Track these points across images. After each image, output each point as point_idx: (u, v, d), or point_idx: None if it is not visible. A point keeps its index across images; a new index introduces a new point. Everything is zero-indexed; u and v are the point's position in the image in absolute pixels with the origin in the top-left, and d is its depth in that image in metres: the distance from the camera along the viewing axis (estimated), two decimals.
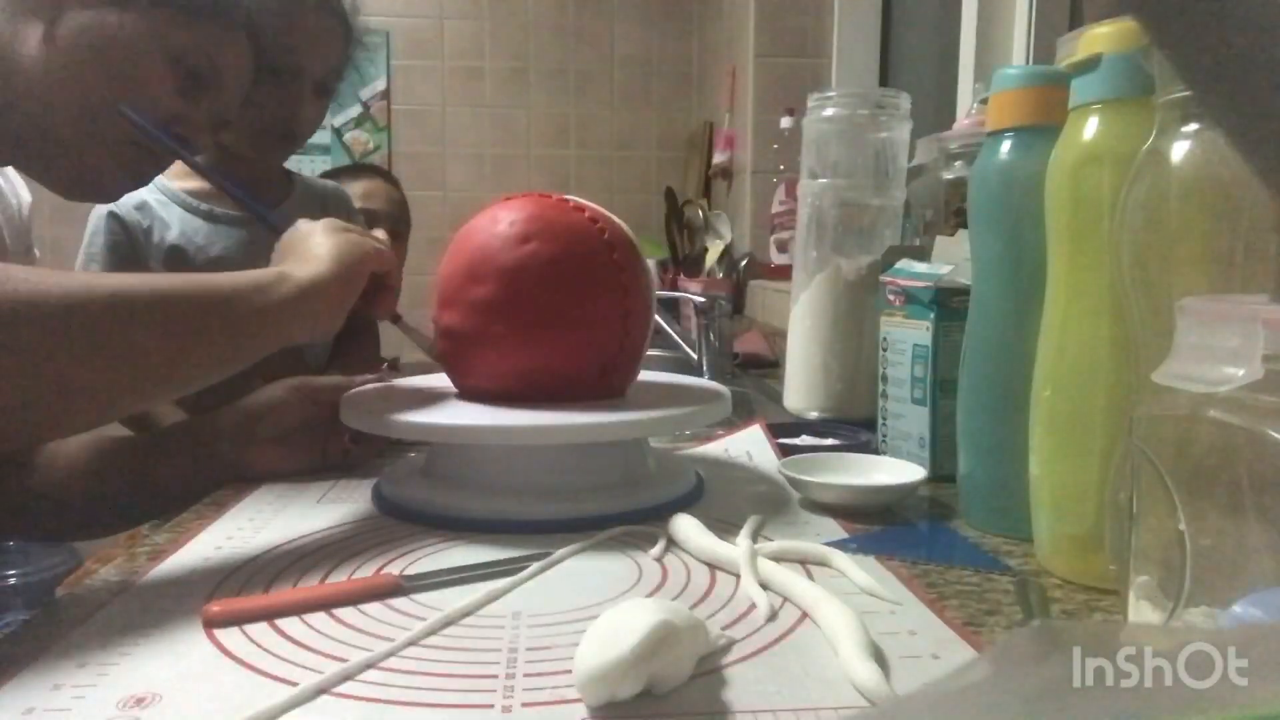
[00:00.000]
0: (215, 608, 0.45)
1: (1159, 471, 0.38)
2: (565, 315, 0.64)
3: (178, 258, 1.11)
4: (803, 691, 0.38)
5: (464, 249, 0.66)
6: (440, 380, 0.73)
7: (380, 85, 2.83)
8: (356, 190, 1.56)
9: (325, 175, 1.57)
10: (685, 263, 2.35)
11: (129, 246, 1.10)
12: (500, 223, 0.65)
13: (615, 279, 0.65)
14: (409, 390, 0.73)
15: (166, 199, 1.13)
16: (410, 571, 0.52)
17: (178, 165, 1.11)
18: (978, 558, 0.55)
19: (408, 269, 1.38)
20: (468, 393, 0.68)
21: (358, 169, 1.82)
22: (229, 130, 1.07)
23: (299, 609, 0.46)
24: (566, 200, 0.68)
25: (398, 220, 1.63)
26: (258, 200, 1.13)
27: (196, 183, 1.14)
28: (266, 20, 1.03)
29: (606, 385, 0.68)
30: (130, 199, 1.09)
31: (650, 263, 2.31)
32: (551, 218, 0.65)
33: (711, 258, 2.22)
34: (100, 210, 1.10)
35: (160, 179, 1.07)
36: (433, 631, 0.44)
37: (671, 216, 2.44)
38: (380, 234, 0.70)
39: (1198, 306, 0.35)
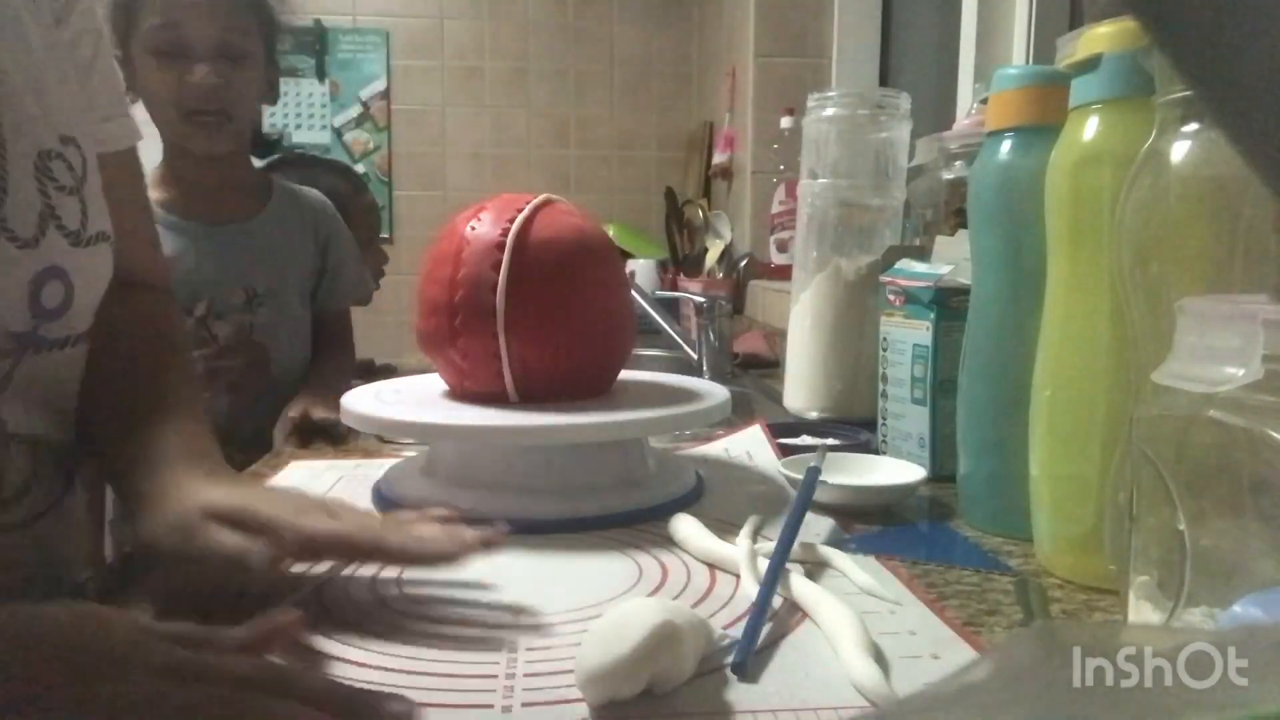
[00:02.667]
0: None
1: (1159, 471, 0.38)
2: (550, 316, 0.64)
3: None
4: (803, 691, 0.38)
5: (444, 253, 0.66)
6: (439, 380, 0.73)
7: (380, 85, 2.83)
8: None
9: (270, 166, 1.46)
10: (685, 263, 2.35)
11: None
12: (481, 225, 0.65)
13: (604, 276, 0.66)
14: (408, 390, 0.73)
15: None
16: (409, 573, 0.52)
17: (150, 173, 1.10)
18: (978, 558, 0.55)
19: (406, 270, 1.36)
20: (462, 394, 0.68)
21: (309, 163, 1.64)
22: (165, 126, 1.07)
23: None
24: (551, 200, 0.68)
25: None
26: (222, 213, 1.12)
27: (166, 192, 1.13)
28: (140, 9, 1.02)
29: (596, 383, 0.69)
30: None
31: (650, 263, 2.32)
32: (534, 219, 0.65)
33: (711, 258, 2.22)
34: None
35: None
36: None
37: (671, 216, 2.44)
38: None
39: (1198, 306, 0.35)
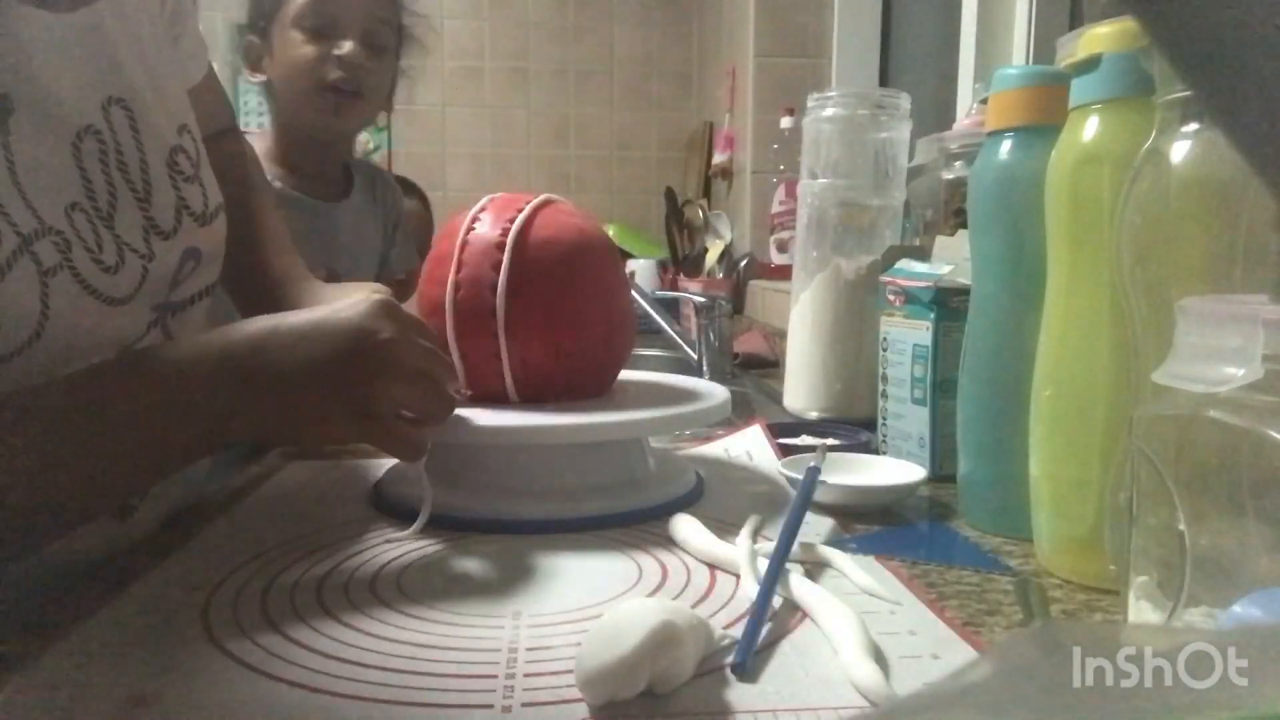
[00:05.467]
0: None
1: (1159, 471, 0.38)
2: (550, 316, 0.64)
3: None
4: (803, 691, 0.38)
5: (444, 254, 0.66)
6: None
7: None
8: None
9: None
10: (685, 263, 2.35)
11: None
12: (480, 225, 0.65)
13: (604, 276, 0.66)
14: None
15: None
16: (409, 574, 0.52)
17: (257, 142, 1.17)
18: (978, 558, 0.55)
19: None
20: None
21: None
22: (296, 99, 1.13)
23: None
24: (551, 200, 0.68)
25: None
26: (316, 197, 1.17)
27: (268, 168, 1.16)
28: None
29: (596, 383, 0.69)
30: None
31: (650, 263, 2.32)
32: (533, 219, 0.65)
33: (711, 258, 2.22)
34: None
35: None
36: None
37: (671, 216, 2.44)
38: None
39: (1198, 306, 0.35)
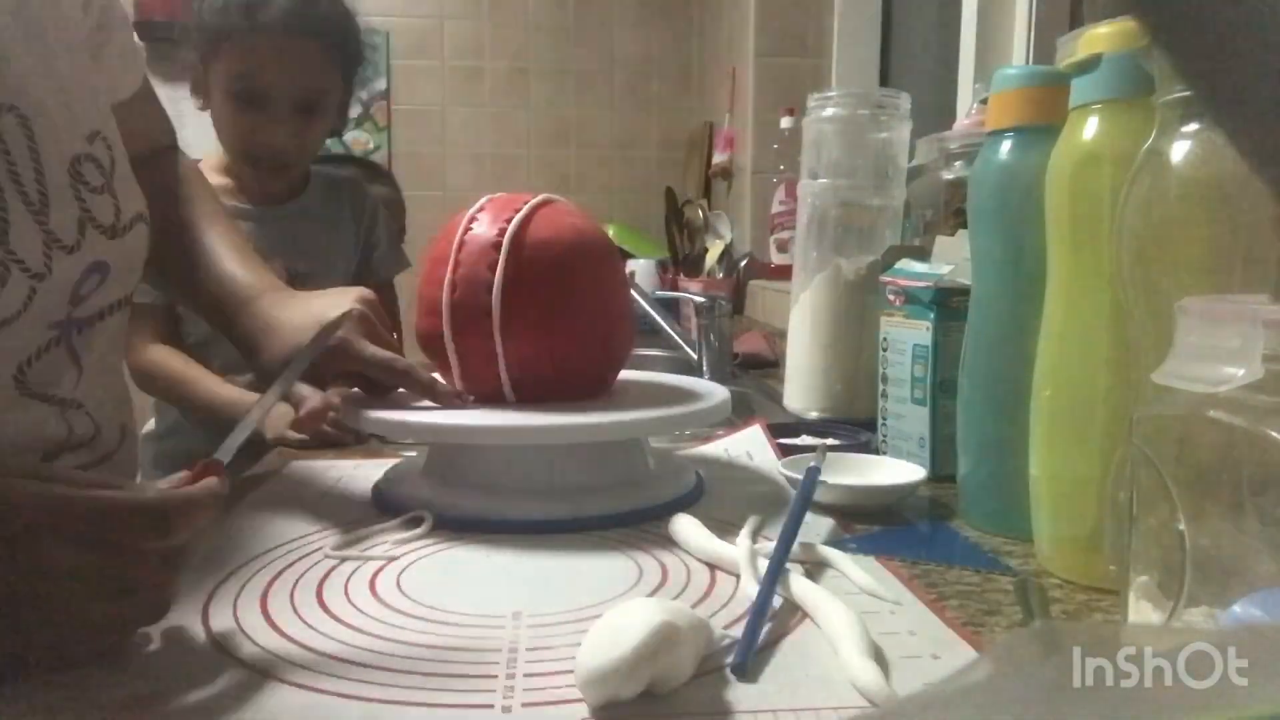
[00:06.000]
0: None
1: (1159, 471, 0.38)
2: (547, 317, 0.64)
3: None
4: (803, 691, 0.38)
5: (441, 254, 0.66)
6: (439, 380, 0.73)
7: (380, 85, 2.83)
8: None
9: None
10: (685, 263, 2.35)
11: None
12: (478, 225, 0.65)
13: (603, 277, 0.66)
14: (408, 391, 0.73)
15: None
16: (409, 574, 0.52)
17: (206, 159, 1.16)
18: (978, 558, 0.55)
19: (408, 272, 1.40)
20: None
21: (351, 165, 1.70)
22: (231, 153, 1.11)
23: None
24: (550, 200, 0.68)
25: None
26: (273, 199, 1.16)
27: (216, 179, 1.16)
28: (230, 49, 1.04)
29: (595, 384, 0.69)
30: None
31: (650, 263, 2.32)
32: (531, 218, 0.65)
33: (711, 258, 2.22)
34: None
35: None
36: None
37: (671, 216, 2.44)
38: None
39: (1198, 306, 0.35)
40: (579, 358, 0.66)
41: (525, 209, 0.65)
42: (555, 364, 0.64)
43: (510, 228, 0.64)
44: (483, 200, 0.68)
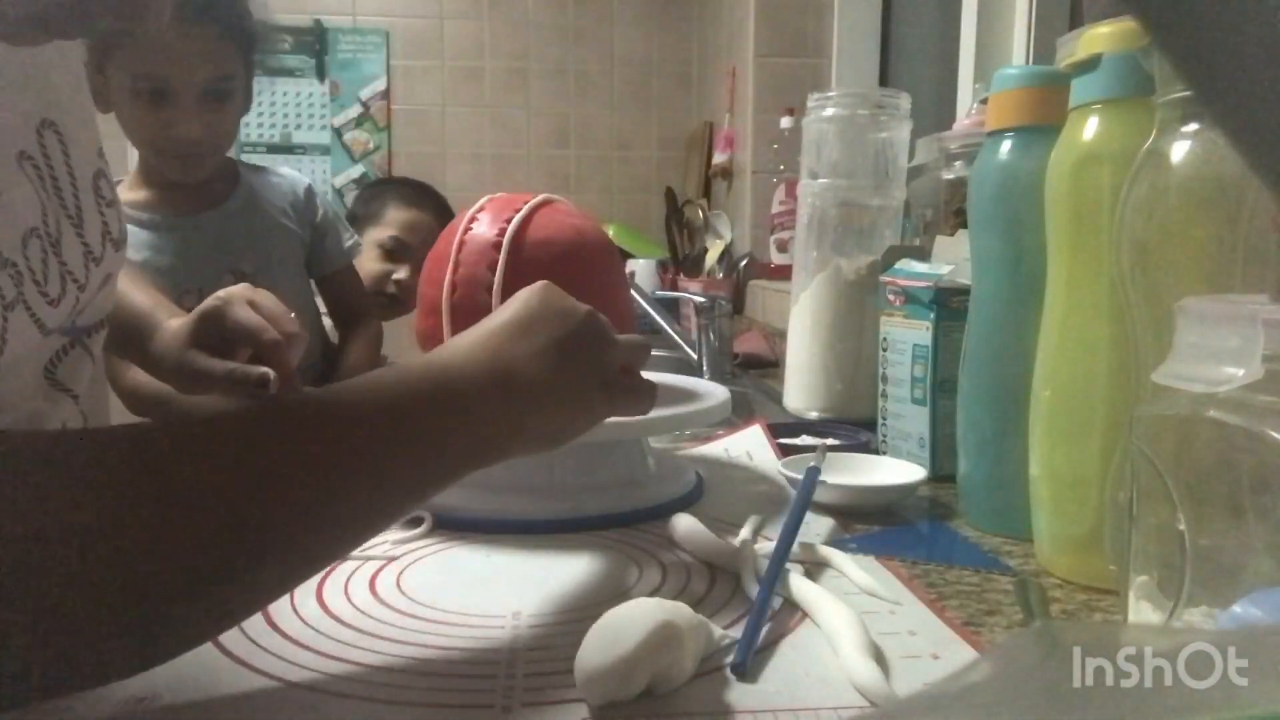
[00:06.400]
0: None
1: (1159, 471, 0.38)
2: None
3: None
4: (803, 691, 0.38)
5: (441, 254, 0.66)
6: None
7: (380, 85, 2.83)
8: (401, 218, 1.56)
9: (376, 185, 1.73)
10: (685, 263, 2.35)
11: None
12: (478, 225, 0.65)
13: (603, 277, 0.67)
14: None
15: None
16: (409, 574, 0.52)
17: (127, 177, 1.15)
18: (978, 558, 0.55)
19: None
20: None
21: (412, 189, 1.67)
22: (145, 155, 1.10)
23: None
24: (550, 200, 0.68)
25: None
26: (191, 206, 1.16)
27: (140, 194, 1.15)
28: (119, 47, 1.02)
29: None
30: None
31: (650, 263, 2.32)
32: (531, 219, 0.65)
33: (711, 258, 2.22)
34: None
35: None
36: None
37: (671, 216, 2.44)
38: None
39: (1198, 306, 0.35)
40: None
41: (525, 209, 0.65)
42: None
43: (510, 228, 0.64)
44: (483, 200, 0.68)
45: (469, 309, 0.63)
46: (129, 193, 1.15)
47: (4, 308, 0.42)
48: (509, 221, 0.64)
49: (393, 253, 1.50)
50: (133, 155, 1.20)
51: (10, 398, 0.45)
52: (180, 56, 1.05)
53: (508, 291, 0.62)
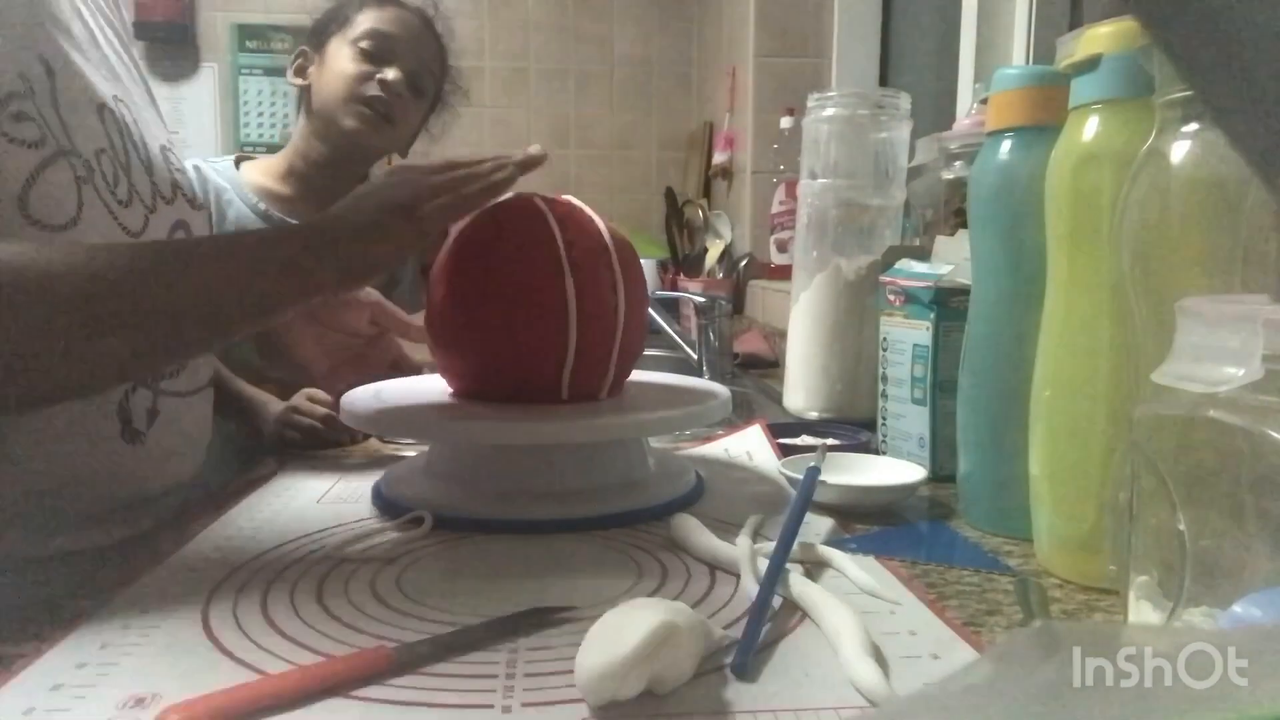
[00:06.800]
0: (174, 715, 0.35)
1: (1159, 471, 0.38)
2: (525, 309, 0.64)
3: None
4: (803, 691, 0.38)
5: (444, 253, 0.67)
6: (439, 380, 0.73)
7: None
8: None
9: None
10: (685, 263, 2.35)
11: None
12: (481, 221, 0.66)
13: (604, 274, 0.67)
14: (408, 390, 0.73)
15: (233, 194, 1.17)
16: (409, 574, 0.52)
17: (262, 162, 1.23)
18: (978, 558, 0.55)
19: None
20: (461, 393, 0.69)
21: None
22: (333, 105, 1.17)
23: (268, 704, 0.36)
24: (563, 200, 0.68)
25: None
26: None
27: (273, 184, 1.19)
28: (362, 15, 1.18)
29: (588, 385, 0.67)
30: (213, 181, 1.16)
31: (650, 263, 2.32)
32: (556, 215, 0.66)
33: (711, 258, 2.22)
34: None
35: (235, 173, 1.18)
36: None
37: (671, 216, 2.44)
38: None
39: (1198, 306, 0.35)
40: (632, 355, 0.68)
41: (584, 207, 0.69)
42: (621, 362, 0.66)
43: (603, 228, 0.67)
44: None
45: (595, 309, 0.64)
46: (271, 182, 1.19)
47: (77, 179, 0.58)
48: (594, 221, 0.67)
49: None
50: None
51: None
52: (408, 38, 1.20)
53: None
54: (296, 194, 1.20)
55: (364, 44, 1.17)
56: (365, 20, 1.19)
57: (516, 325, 0.63)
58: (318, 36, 1.22)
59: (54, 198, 0.56)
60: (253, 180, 1.19)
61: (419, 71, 1.21)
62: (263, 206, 1.16)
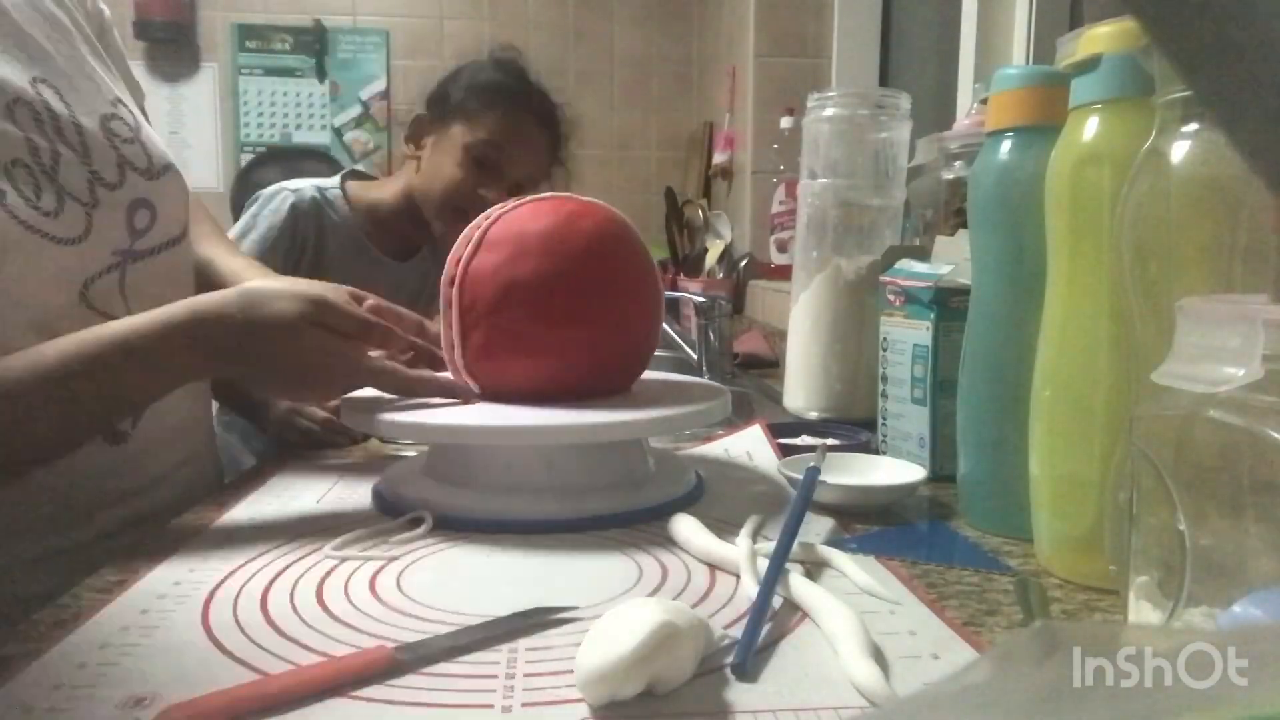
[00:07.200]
0: (174, 715, 0.35)
1: (1159, 471, 0.38)
2: (593, 313, 0.64)
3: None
4: (803, 691, 0.38)
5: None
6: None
7: (380, 85, 2.83)
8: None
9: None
10: (685, 263, 2.35)
11: (285, 238, 1.14)
12: (526, 224, 0.65)
13: (642, 276, 0.68)
14: None
15: (339, 219, 1.18)
16: (409, 574, 0.52)
17: (374, 185, 1.24)
18: (978, 558, 0.55)
19: None
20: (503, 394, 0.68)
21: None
22: (428, 200, 1.17)
23: (269, 704, 0.36)
24: (580, 199, 0.68)
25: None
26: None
27: (381, 195, 1.20)
28: (485, 118, 1.15)
29: (623, 381, 0.71)
30: (310, 205, 1.16)
31: None
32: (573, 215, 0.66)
33: (711, 258, 2.22)
34: (283, 203, 1.15)
35: (341, 194, 1.18)
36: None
37: (671, 216, 2.44)
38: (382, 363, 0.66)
39: (1198, 306, 0.35)
40: (610, 356, 0.68)
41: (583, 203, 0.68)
42: (589, 362, 0.66)
43: (554, 230, 0.66)
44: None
45: (520, 310, 0.64)
46: (384, 194, 1.21)
47: None
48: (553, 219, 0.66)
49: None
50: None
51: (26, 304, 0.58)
52: (522, 149, 1.17)
53: (556, 288, 0.64)
54: (376, 226, 1.21)
55: (477, 153, 1.14)
56: (489, 122, 1.14)
57: (631, 320, 0.67)
58: (440, 109, 1.18)
59: None
60: (362, 198, 1.20)
61: (523, 182, 1.18)
62: (369, 239, 1.19)
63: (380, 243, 1.21)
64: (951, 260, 0.75)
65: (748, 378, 1.41)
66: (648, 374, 0.77)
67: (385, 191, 1.23)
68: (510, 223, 0.66)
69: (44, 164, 0.60)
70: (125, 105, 0.69)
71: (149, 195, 0.68)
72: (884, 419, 0.79)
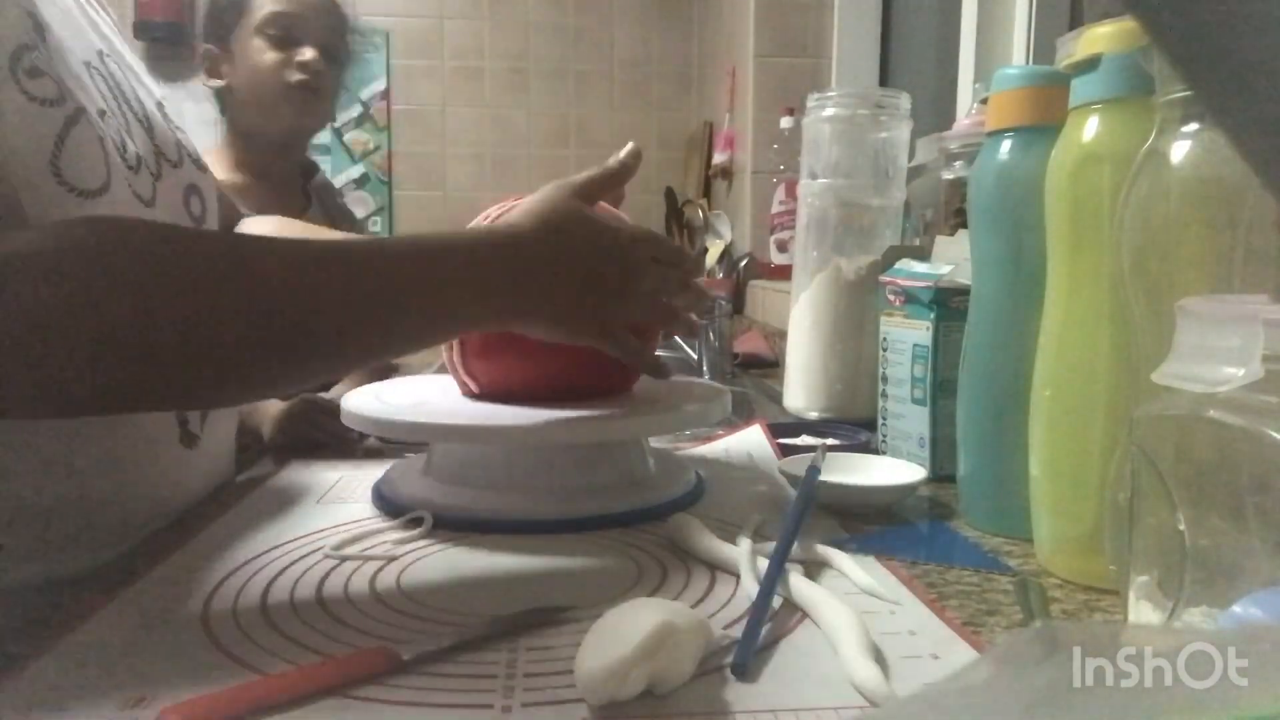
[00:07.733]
0: (174, 715, 0.35)
1: (1159, 471, 0.38)
2: None
3: None
4: (803, 691, 0.38)
5: None
6: (439, 380, 0.73)
7: (380, 85, 2.83)
8: None
9: None
10: None
11: None
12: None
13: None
14: (409, 390, 0.73)
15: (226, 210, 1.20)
16: (409, 574, 0.52)
17: (211, 158, 1.22)
18: (978, 558, 0.55)
19: None
20: (473, 393, 0.68)
21: None
22: (261, 100, 1.21)
23: (269, 704, 0.36)
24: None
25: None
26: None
27: (234, 177, 1.22)
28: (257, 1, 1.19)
29: (624, 381, 0.71)
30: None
31: None
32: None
33: (711, 258, 2.22)
34: None
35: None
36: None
37: (671, 216, 2.44)
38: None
39: (1198, 306, 0.35)
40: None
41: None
42: (589, 364, 0.65)
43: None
44: (505, 198, 0.68)
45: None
46: (225, 172, 1.22)
47: (100, 141, 0.54)
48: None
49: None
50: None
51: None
52: (307, 11, 1.22)
53: None
54: (249, 180, 1.24)
55: (271, 30, 1.19)
56: (263, 4, 1.20)
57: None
58: (218, 29, 1.23)
59: (84, 160, 0.51)
60: (230, 177, 1.23)
61: (330, 41, 1.23)
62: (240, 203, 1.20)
63: (258, 202, 1.21)
64: (951, 260, 0.75)
65: (748, 378, 1.41)
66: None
67: (232, 151, 1.26)
68: None
69: (121, 122, 0.59)
70: (166, 106, 0.69)
71: (200, 184, 0.67)
72: (884, 419, 0.79)
